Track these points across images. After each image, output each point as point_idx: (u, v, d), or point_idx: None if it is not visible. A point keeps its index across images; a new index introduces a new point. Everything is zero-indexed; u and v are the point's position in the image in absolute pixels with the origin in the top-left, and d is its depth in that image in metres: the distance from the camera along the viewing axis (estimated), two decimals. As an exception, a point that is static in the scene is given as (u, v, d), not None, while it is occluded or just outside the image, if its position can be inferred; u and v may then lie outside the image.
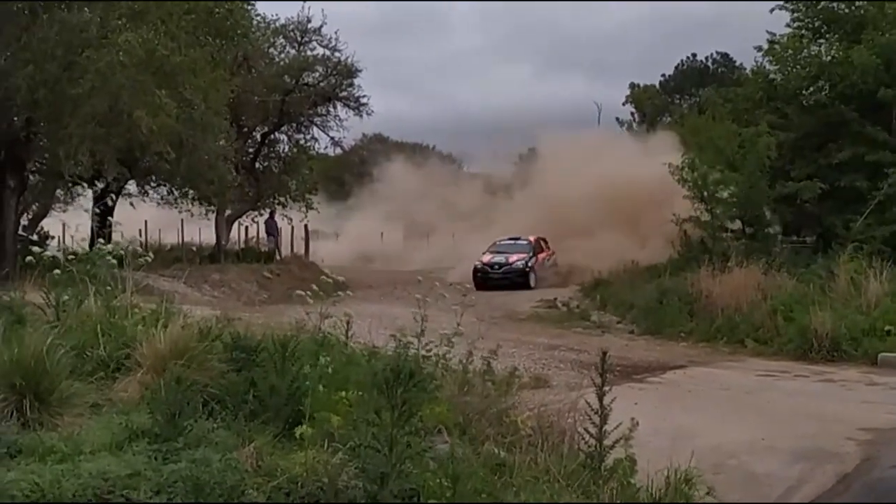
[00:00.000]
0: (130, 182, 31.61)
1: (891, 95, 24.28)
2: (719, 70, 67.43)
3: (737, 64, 60.23)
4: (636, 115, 70.60)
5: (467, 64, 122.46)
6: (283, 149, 39.83)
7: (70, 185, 29.82)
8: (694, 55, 72.38)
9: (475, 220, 46.34)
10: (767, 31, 28.21)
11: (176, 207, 33.87)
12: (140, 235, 33.51)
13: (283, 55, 38.68)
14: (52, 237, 27.06)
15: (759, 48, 28.17)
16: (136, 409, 6.07)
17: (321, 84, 38.51)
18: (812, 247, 25.33)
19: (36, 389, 5.94)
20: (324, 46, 38.20)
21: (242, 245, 39.77)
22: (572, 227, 37.52)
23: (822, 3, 27.78)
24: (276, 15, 40.14)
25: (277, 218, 39.88)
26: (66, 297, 8.64)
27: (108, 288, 8.89)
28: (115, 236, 11.13)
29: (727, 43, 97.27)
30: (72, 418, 6.00)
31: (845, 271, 19.64)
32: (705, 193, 24.69)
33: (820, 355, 17.09)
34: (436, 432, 6.52)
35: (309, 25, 38.02)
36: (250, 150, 38.05)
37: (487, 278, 34.24)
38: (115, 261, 9.20)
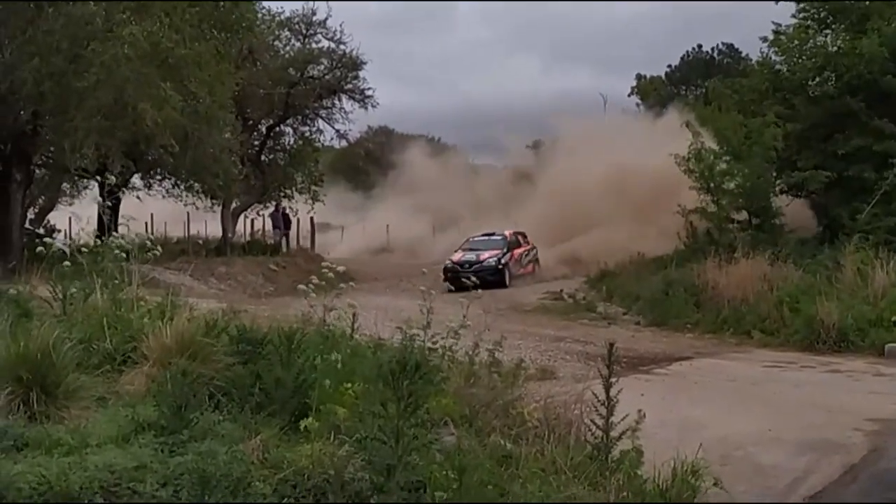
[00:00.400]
0: (135, 175, 31.64)
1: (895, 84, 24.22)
2: (725, 61, 67.24)
3: (742, 55, 60.08)
4: (642, 107, 70.46)
5: (474, 57, 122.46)
6: (289, 141, 39.90)
7: (76, 178, 29.84)
8: (699, 46, 72.22)
9: (493, 211, 46.01)
10: (773, 23, 28.12)
11: (181, 201, 33.89)
12: (146, 229, 33.61)
13: (288, 48, 38.70)
14: (59, 230, 27.10)
15: (765, 39, 28.07)
16: (143, 402, 6.07)
17: (326, 77, 38.50)
18: (818, 237, 25.24)
19: (42, 382, 5.94)
20: (329, 39, 38.25)
21: (248, 238, 39.80)
22: (588, 217, 37.16)
23: (828, -7, 27.71)
24: (282, 8, 40.13)
25: (288, 211, 39.97)
26: (72, 291, 8.65)
27: (115, 281, 8.89)
28: (122, 229, 11.12)
29: (733, 35, 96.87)
30: (78, 411, 6.00)
31: (852, 262, 19.58)
32: (711, 184, 24.61)
33: (826, 346, 17.07)
34: (442, 424, 6.51)
35: (314, 18, 38.05)
36: (256, 142, 38.08)
37: (457, 278, 29.49)
38: (123, 254, 9.19)
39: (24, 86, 20.59)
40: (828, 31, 27.92)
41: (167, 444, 5.22)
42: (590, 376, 7.59)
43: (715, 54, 71.02)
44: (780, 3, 27.96)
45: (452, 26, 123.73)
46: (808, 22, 28.04)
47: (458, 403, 7.05)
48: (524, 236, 37.42)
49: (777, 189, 25.70)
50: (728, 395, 12.79)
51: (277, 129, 39.21)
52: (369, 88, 38.97)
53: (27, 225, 26.34)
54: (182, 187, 32.89)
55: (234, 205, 36.62)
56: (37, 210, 33.38)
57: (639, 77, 71.62)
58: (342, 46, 38.13)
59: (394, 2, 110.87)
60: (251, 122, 37.08)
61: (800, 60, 26.96)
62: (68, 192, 35.12)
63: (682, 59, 72.20)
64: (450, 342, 8.52)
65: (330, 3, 53.16)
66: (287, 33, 38.42)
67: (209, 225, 38.72)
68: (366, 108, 39.31)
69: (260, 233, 41.11)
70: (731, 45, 69.79)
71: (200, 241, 35.55)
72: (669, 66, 72.80)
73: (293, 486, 5.15)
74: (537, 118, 62.11)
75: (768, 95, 26.77)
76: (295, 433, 5.87)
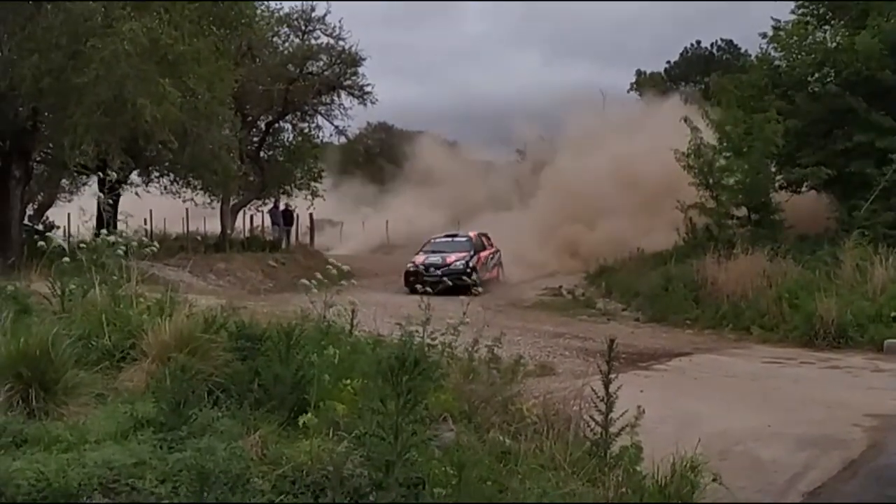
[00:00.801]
0: (134, 171, 31.61)
1: (895, 80, 24.20)
2: (724, 57, 67.13)
3: (742, 51, 59.99)
4: (644, 98, 70.31)
5: (475, 52, 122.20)
6: (288, 138, 39.88)
7: (75, 174, 29.81)
8: (698, 42, 72.12)
9: (503, 206, 45.79)
10: (772, 18, 28.14)
11: (179, 197, 33.88)
12: (145, 225, 33.58)
13: (287, 44, 38.66)
14: (58, 227, 27.07)
15: (764, 35, 28.08)
16: (141, 399, 6.07)
17: (325, 73, 38.48)
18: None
19: (41, 379, 5.94)
20: (328, 35, 38.20)
21: (247, 234, 39.81)
22: (594, 211, 36.93)
23: (828, -11, 27.71)
24: (280, 4, 40.09)
25: (292, 208, 40.02)
26: (71, 287, 8.64)
27: (114, 277, 8.89)
28: (121, 226, 11.12)
29: (737, 30, 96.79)
30: (77, 408, 6.00)
31: (851, 258, 19.60)
32: (711, 180, 24.62)
33: (826, 342, 17.11)
34: (441, 420, 6.52)
35: (313, 14, 38.01)
36: (255, 139, 38.08)
37: (423, 282, 26.76)
38: (122, 250, 9.19)
39: (23, 82, 20.54)
40: (827, 27, 27.91)
41: (166, 440, 5.22)
42: (589, 372, 7.59)
43: (714, 50, 70.93)
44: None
45: (454, 22, 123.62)
46: (808, 18, 28.05)
47: (457, 399, 7.06)
48: (488, 238, 35.55)
49: (776, 185, 25.71)
50: (727, 390, 12.82)
51: (276, 125, 39.20)
52: (368, 84, 38.98)
53: (26, 221, 26.29)
54: (180, 184, 32.87)
55: (233, 201, 36.61)
56: (36, 206, 33.33)
57: (638, 73, 71.55)
58: (341, 42, 38.14)
59: (395, 1, 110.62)
60: (250, 118, 37.07)
61: (799, 56, 26.93)
62: (67, 188, 35.08)
63: (681, 55, 72.14)
64: (449, 338, 8.52)
65: (330, 1, 53.08)
66: (286, 29, 38.36)
67: (208, 221, 38.73)
68: (365, 105, 39.33)
69: (259, 229, 41.11)
70: (731, 41, 69.73)
71: (199, 238, 35.56)
72: (668, 62, 72.77)
73: (292, 483, 5.15)
74: (538, 113, 61.98)
75: (767, 91, 26.74)
76: (294, 429, 5.87)
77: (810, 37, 27.20)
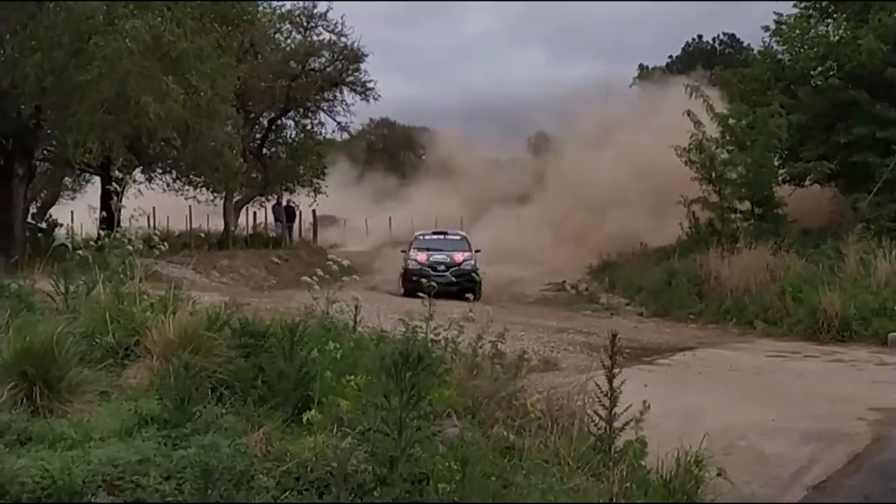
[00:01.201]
0: (137, 169, 31.61)
1: (896, 75, 24.20)
2: (726, 51, 67.01)
3: (744, 45, 59.86)
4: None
5: (480, 48, 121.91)
6: (290, 134, 39.91)
7: (78, 172, 29.85)
8: (700, 36, 71.95)
9: (509, 202, 45.62)
10: (774, 12, 28.13)
11: (181, 194, 33.88)
12: (148, 222, 33.55)
13: (289, 41, 38.68)
14: (61, 225, 27.13)
15: (767, 28, 28.08)
16: (146, 396, 6.08)
17: (327, 69, 38.48)
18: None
19: (45, 377, 5.95)
20: (330, 31, 38.20)
21: (251, 231, 39.80)
22: (603, 207, 36.70)
23: (830, -18, 27.67)
24: (282, 3, 40.07)
25: (293, 204, 40.03)
26: (75, 285, 8.65)
27: (118, 275, 8.89)
28: (126, 223, 11.10)
29: (739, 27, 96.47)
30: (81, 405, 6.01)
31: (854, 251, 19.59)
32: (713, 174, 24.59)
33: (830, 336, 17.10)
34: (445, 416, 6.52)
35: (315, 11, 38.01)
36: (257, 135, 38.09)
37: (430, 282, 25.26)
38: (130, 248, 9.19)
39: (25, 81, 20.57)
40: (829, 20, 27.89)
41: (170, 437, 5.22)
42: (593, 367, 7.57)
43: (717, 44, 70.78)
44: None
45: (456, 20, 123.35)
46: (810, 12, 28.03)
47: (461, 395, 7.06)
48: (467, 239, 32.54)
49: (780, 179, 25.69)
50: (731, 385, 12.81)
51: (279, 122, 39.22)
52: (371, 81, 38.96)
53: (29, 219, 26.34)
54: (183, 181, 32.88)
55: (236, 198, 36.63)
56: (39, 204, 33.40)
57: (641, 67, 71.40)
58: (343, 39, 38.14)
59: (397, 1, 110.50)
60: (253, 115, 37.09)
61: (802, 50, 26.94)
62: (70, 186, 35.14)
63: (683, 49, 71.97)
64: (453, 334, 8.53)
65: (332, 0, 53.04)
66: (288, 26, 38.38)
67: (211, 218, 38.73)
68: (367, 101, 39.30)
69: (262, 226, 41.12)
70: (733, 35, 69.54)
71: (203, 235, 35.54)
72: (670, 56, 72.59)
73: (296, 479, 5.16)
74: (542, 110, 61.91)
75: (770, 85, 26.73)
76: (298, 426, 5.88)
77: (813, 30, 27.19)
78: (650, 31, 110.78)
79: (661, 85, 40.62)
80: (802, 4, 28.54)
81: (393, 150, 67.30)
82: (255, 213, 41.09)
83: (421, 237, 31.17)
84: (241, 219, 39.51)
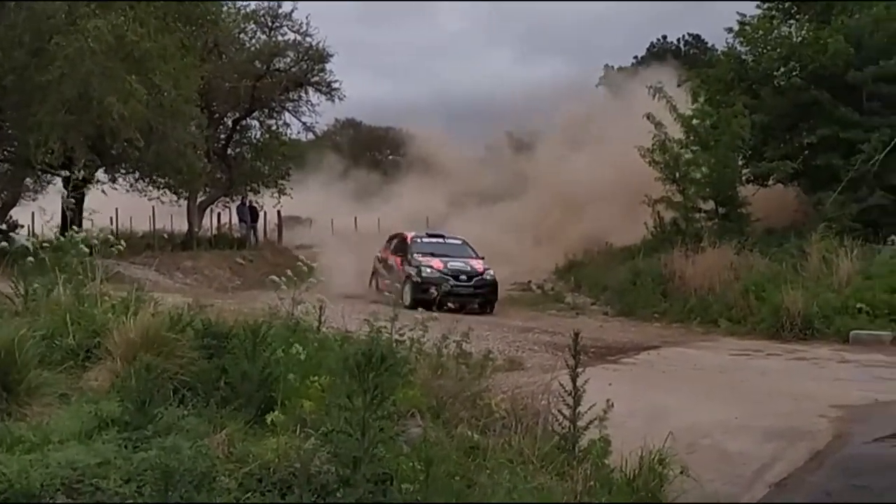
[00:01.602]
0: (100, 169, 31.33)
1: (860, 77, 24.39)
2: (691, 52, 67.37)
3: (708, 45, 60.25)
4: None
5: (449, 49, 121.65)
6: (255, 135, 39.64)
7: (39, 173, 29.55)
8: (664, 37, 72.30)
9: (490, 201, 45.45)
10: (738, 13, 28.31)
11: (145, 195, 33.63)
12: (111, 223, 33.27)
13: (253, 41, 38.45)
14: (22, 226, 26.83)
15: (730, 30, 28.24)
16: (106, 398, 6.00)
17: (292, 69, 38.29)
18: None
19: (4, 380, 5.87)
20: (295, 31, 37.99)
21: (215, 232, 39.57)
22: (575, 207, 36.66)
23: (793, -17, 27.94)
24: (247, 1, 39.82)
25: (257, 204, 39.85)
26: (35, 286, 8.55)
27: (79, 276, 8.80)
28: (86, 224, 11.02)
29: (707, 26, 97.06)
30: (41, 408, 5.93)
31: (817, 250, 19.76)
32: (677, 174, 24.72)
33: (792, 334, 17.29)
34: (409, 416, 6.52)
35: (280, 11, 37.85)
36: (222, 136, 37.84)
37: (449, 294, 22.62)
38: (87, 249, 9.09)
39: (-15, 80, 20.41)
40: (792, 21, 28.14)
41: (131, 439, 5.16)
42: (557, 367, 7.58)
43: (681, 45, 71.17)
44: (746, -5, 28.21)
45: (429, 17, 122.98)
46: (773, 13, 28.26)
47: (425, 395, 7.06)
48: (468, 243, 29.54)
49: (743, 179, 25.87)
50: (695, 383, 12.88)
51: (244, 122, 38.96)
52: (336, 81, 38.81)
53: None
54: (146, 182, 32.63)
55: (200, 198, 36.40)
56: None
57: (607, 67, 71.67)
58: (308, 39, 37.93)
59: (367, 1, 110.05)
60: (217, 115, 36.85)
61: (765, 51, 27.12)
62: (31, 187, 34.74)
63: (647, 49, 72.30)
64: (417, 334, 8.52)
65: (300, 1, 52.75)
66: (253, 26, 38.18)
67: (175, 219, 38.43)
68: (333, 101, 39.11)
69: (227, 226, 40.88)
70: (698, 35, 69.88)
71: (166, 236, 35.30)
72: (636, 56, 72.91)
73: (259, 480, 5.12)
74: (512, 110, 61.86)
75: (734, 86, 26.91)
76: (261, 427, 5.84)
77: (776, 31, 27.39)
78: (619, 33, 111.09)
79: (627, 85, 40.61)
80: (766, 5, 28.78)
81: (357, 152, 67.01)
82: (219, 214, 40.82)
83: (418, 240, 27.19)
84: (206, 220, 39.23)
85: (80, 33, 20.62)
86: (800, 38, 26.67)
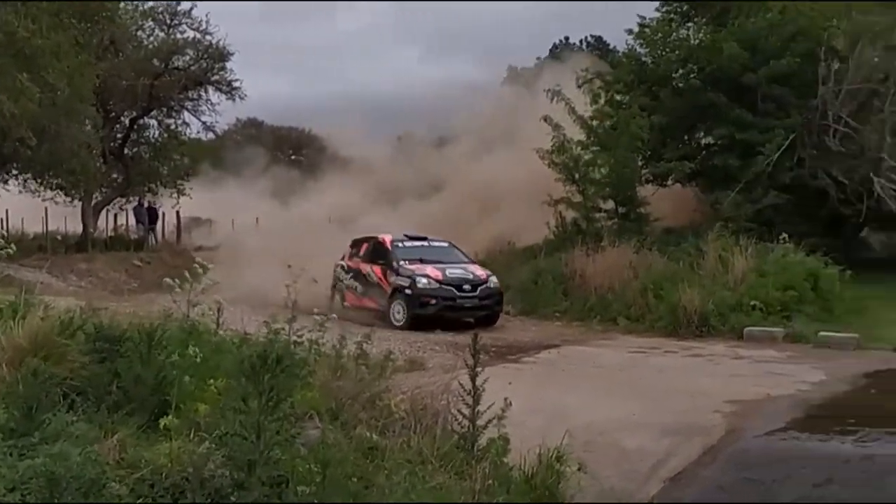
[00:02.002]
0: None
1: (755, 79, 24.92)
2: (593, 53, 68.17)
3: (610, 47, 61.03)
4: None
5: (355, 47, 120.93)
6: (153, 134, 38.86)
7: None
8: (567, 38, 73.05)
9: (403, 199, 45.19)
10: (638, 15, 28.70)
11: (38, 196, 32.77)
12: (1, 225, 32.43)
13: (151, 38, 37.69)
14: None
15: (630, 31, 28.60)
16: (-8, 405, 5.83)
17: (192, 68, 37.63)
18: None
19: None
20: (194, 29, 37.33)
21: (111, 233, 38.75)
22: (483, 207, 36.60)
23: (690, -14, 28.45)
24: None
25: (156, 205, 39.17)
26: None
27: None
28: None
29: (613, 28, 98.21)
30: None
31: (714, 249, 20.11)
32: (577, 175, 24.93)
33: (689, 331, 17.60)
34: (307, 418, 6.46)
35: (178, 8, 37.21)
36: (118, 135, 37.04)
37: (454, 308, 20.61)
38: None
39: None
40: (690, 24, 28.64)
41: (16, 447, 5.02)
42: (458, 366, 7.59)
43: (583, 46, 71.97)
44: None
45: (333, 14, 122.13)
46: (672, 15, 28.72)
47: (324, 397, 7.01)
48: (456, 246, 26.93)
49: (643, 179, 26.22)
50: (595, 381, 13.01)
51: (141, 121, 38.15)
52: (237, 80, 38.28)
53: None
54: (38, 182, 31.79)
55: (95, 199, 35.61)
56: None
57: (510, 68, 72.12)
58: (208, 37, 37.34)
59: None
60: (113, 114, 36.05)
61: (664, 53, 27.51)
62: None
63: (550, 51, 72.95)
64: (316, 335, 8.44)
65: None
66: (151, 23, 37.47)
67: (69, 220, 37.51)
68: (233, 100, 38.58)
69: (123, 228, 40.07)
70: (600, 37, 70.51)
71: (60, 237, 34.50)
72: (538, 58, 73.50)
73: (150, 486, 5.04)
74: (418, 109, 61.83)
75: (634, 87, 27.25)
76: (155, 432, 5.75)
77: (674, 34, 27.83)
78: (525, 33, 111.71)
79: (532, 85, 40.84)
80: (664, 8, 29.25)
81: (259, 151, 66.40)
82: (115, 216, 39.96)
83: (400, 245, 22.96)
84: (101, 221, 38.37)
85: (-31, 29, 20.04)
86: (697, 41, 27.12)
